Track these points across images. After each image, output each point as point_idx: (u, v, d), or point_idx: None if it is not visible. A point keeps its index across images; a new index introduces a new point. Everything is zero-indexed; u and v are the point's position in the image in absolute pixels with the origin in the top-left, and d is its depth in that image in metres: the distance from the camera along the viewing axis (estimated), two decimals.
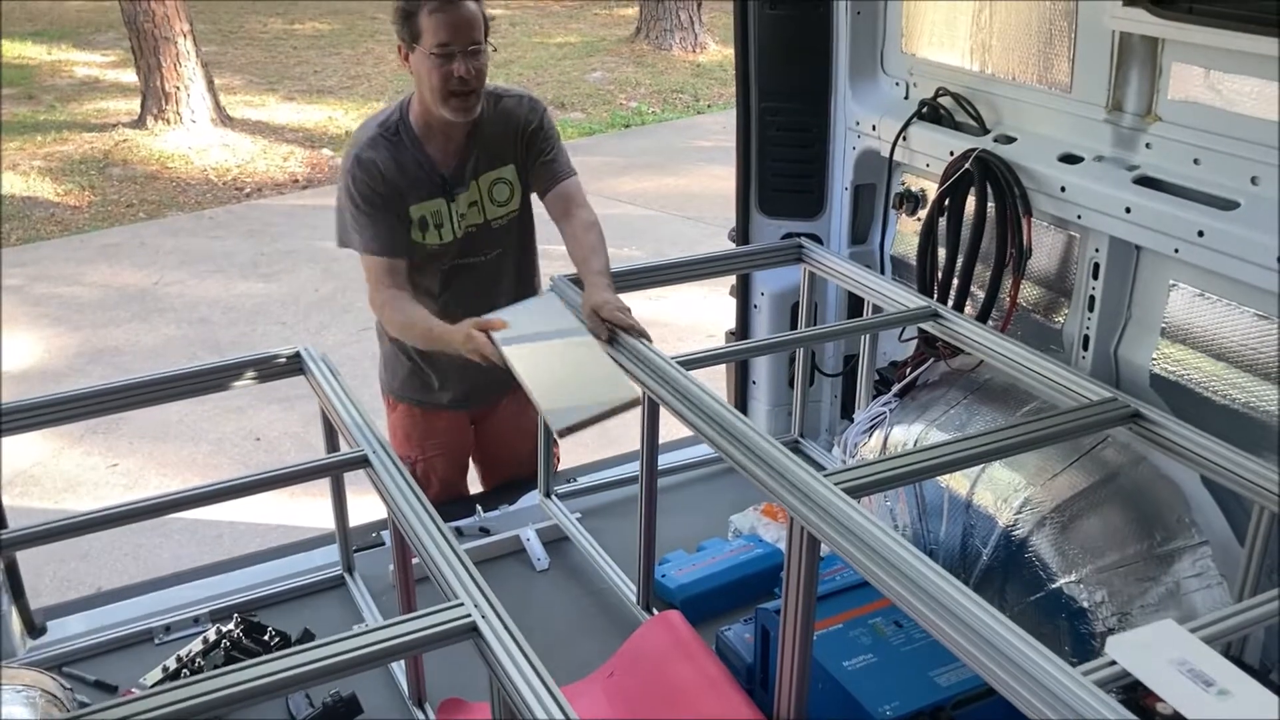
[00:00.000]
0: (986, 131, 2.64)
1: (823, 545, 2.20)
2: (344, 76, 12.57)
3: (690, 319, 6.09)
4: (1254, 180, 2.07)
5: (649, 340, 2.47)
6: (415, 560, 2.02)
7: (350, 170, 2.65)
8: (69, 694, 1.98)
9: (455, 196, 2.72)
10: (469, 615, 1.67)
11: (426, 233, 2.71)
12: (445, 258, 2.78)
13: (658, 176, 9.39)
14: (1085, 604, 2.19)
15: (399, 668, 2.36)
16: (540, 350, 2.34)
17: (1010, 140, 2.57)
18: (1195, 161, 2.19)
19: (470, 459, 3.21)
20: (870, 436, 2.79)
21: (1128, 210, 2.25)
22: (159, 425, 5.34)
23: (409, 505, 2.00)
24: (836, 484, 1.90)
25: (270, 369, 2.53)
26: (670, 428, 2.59)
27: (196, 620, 2.56)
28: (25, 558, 2.68)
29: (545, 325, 2.42)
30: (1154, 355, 2.32)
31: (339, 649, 1.60)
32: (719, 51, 13.25)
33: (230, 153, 9.83)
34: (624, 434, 2.70)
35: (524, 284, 2.91)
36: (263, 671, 1.56)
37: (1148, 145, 2.28)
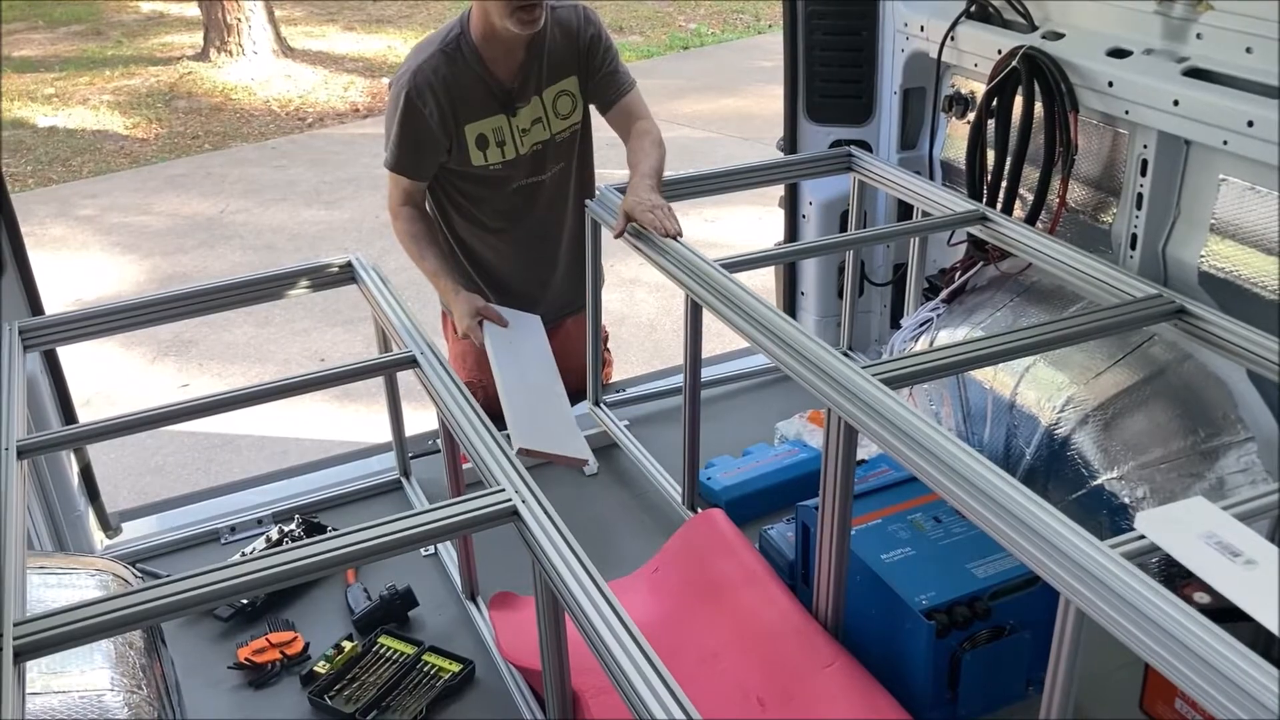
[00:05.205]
0: (1035, 28, 2.59)
1: (864, 451, 2.24)
2: (403, 5, 12.58)
3: (746, 240, 6.08)
4: None
5: (679, 237, 2.47)
6: (467, 465, 2.08)
7: (403, 86, 2.61)
8: (140, 581, 2.08)
9: (516, 111, 2.70)
10: (509, 500, 1.73)
11: (488, 150, 2.70)
12: (514, 178, 2.77)
13: (716, 98, 9.31)
14: (1127, 500, 2.19)
15: (452, 563, 2.45)
16: (523, 374, 2.58)
17: (1058, 36, 2.51)
18: (1248, 50, 2.13)
19: None
20: (917, 341, 2.79)
21: (1176, 103, 2.20)
22: (227, 347, 5.50)
23: (455, 401, 2.06)
24: (873, 374, 1.92)
25: (323, 277, 2.60)
26: (712, 342, 2.60)
27: (260, 521, 2.67)
28: (103, 472, 2.81)
29: (531, 350, 2.68)
30: (1202, 253, 2.28)
31: (387, 530, 1.67)
32: None
33: (292, 83, 9.93)
34: (671, 344, 2.73)
35: (585, 199, 2.86)
36: (314, 551, 1.63)
37: (1198, 36, 2.23)
